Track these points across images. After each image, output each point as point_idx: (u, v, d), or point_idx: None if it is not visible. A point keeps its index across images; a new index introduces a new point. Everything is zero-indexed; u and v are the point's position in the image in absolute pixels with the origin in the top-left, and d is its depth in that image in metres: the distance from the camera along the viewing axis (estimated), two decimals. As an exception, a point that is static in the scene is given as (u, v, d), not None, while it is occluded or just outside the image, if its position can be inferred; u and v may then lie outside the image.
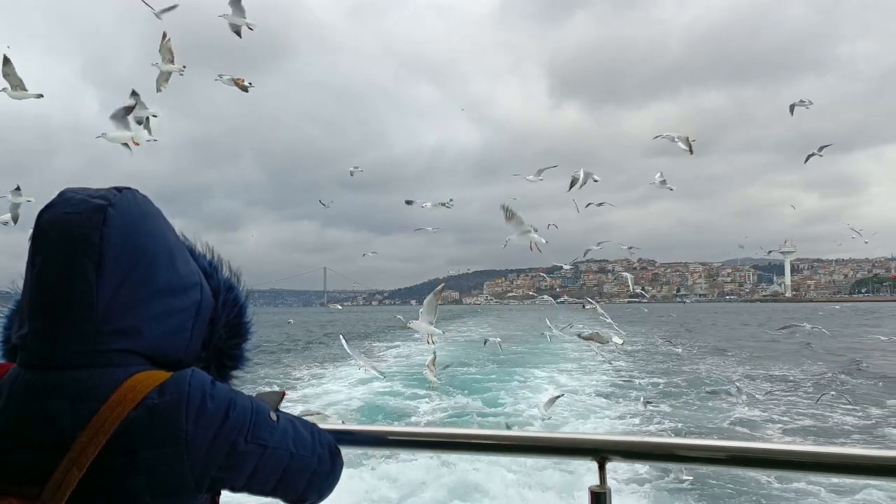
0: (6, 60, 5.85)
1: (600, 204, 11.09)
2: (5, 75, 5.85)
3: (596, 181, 8.44)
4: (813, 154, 11.32)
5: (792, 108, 10.15)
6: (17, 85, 5.92)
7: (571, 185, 8.20)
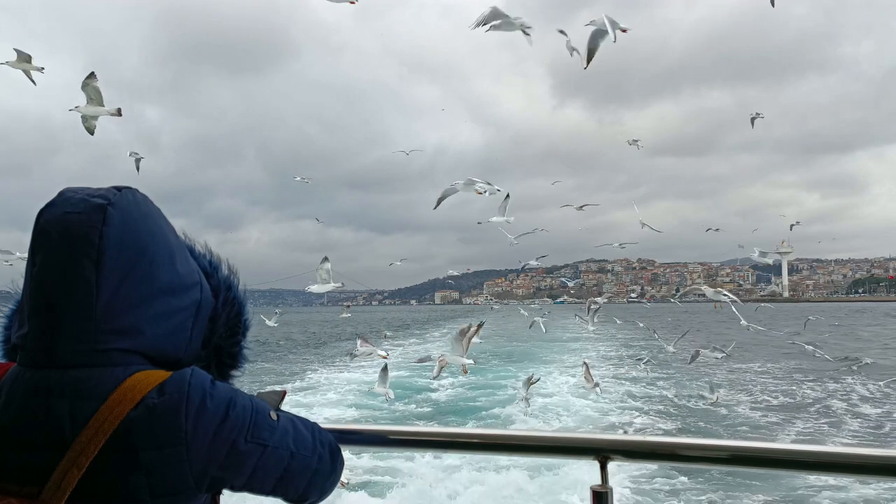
0: (91, 75, 5.89)
1: (581, 207, 11.06)
2: (84, 86, 5.87)
3: (497, 188, 7.60)
4: (754, 118, 11.76)
5: (634, 142, 10.73)
6: (95, 99, 5.93)
7: (439, 202, 7.37)
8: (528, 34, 5.83)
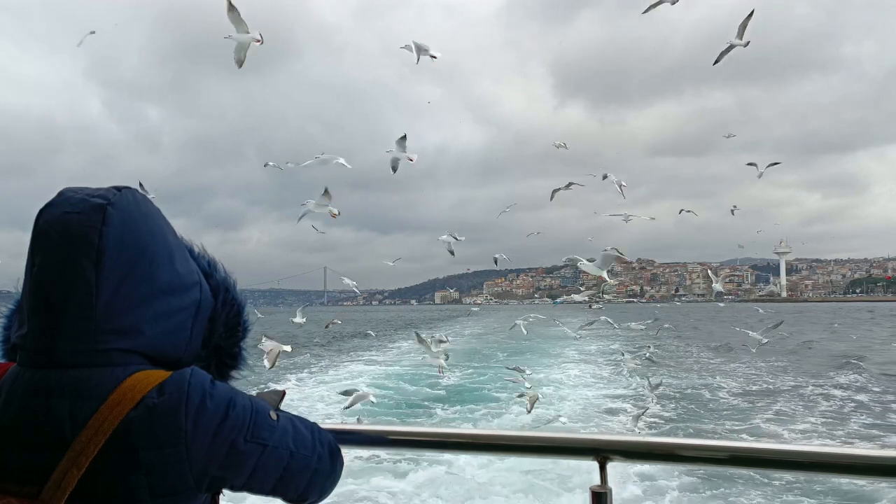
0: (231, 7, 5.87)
1: (568, 185, 10.89)
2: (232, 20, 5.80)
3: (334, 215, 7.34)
4: (728, 138, 12.25)
5: (558, 145, 11.08)
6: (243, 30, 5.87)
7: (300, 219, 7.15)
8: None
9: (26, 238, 1.23)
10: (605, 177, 9.28)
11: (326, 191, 6.99)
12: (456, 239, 8.94)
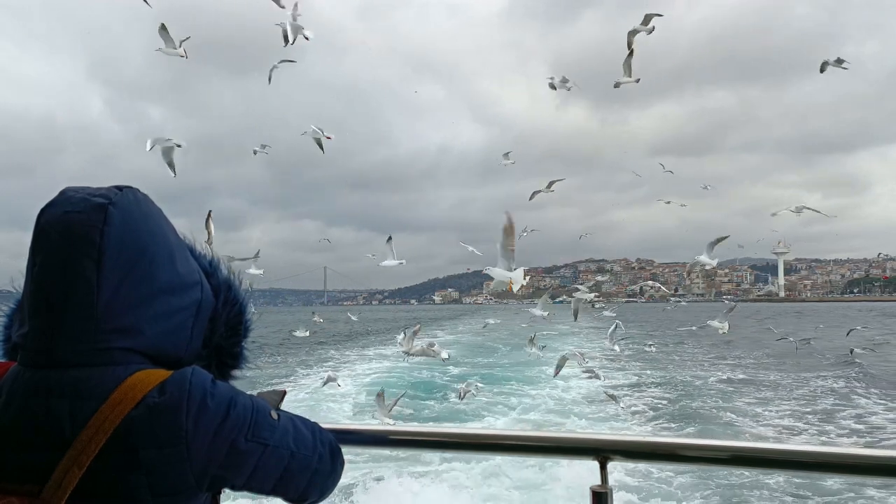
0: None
1: (549, 186, 10.84)
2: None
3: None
4: (707, 189, 12.87)
5: (506, 156, 11.27)
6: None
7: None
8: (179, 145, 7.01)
9: (27, 238, 1.23)
10: (552, 86, 9.63)
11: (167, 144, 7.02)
12: (401, 263, 9.42)
